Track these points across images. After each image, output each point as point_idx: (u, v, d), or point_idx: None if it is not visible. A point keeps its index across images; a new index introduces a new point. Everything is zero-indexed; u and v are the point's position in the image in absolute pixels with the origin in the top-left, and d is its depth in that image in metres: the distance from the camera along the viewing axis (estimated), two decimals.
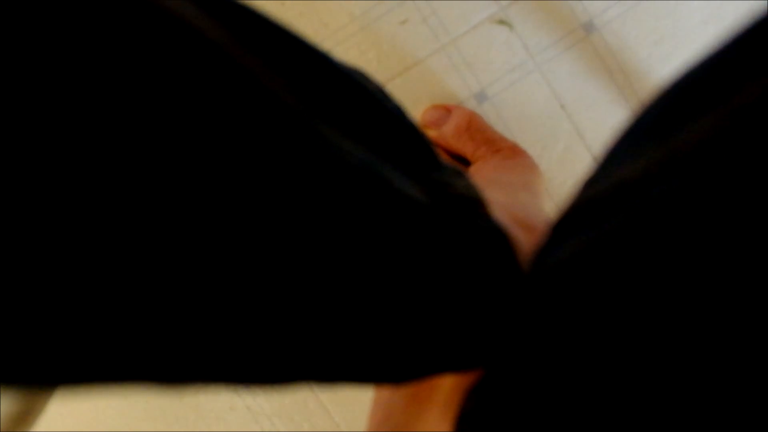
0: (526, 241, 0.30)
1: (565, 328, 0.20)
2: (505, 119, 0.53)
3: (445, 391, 0.30)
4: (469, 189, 0.27)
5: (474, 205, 0.26)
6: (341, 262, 0.19)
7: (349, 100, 0.23)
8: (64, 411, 0.57)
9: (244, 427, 0.57)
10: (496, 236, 0.26)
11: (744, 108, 0.17)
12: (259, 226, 0.17)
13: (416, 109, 0.52)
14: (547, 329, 0.21)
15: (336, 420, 0.56)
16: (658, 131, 0.21)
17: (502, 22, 0.51)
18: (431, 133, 0.51)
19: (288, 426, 0.57)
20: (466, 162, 0.50)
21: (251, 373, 0.19)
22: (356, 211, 0.19)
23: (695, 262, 0.17)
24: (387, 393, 0.32)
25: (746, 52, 0.19)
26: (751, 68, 0.18)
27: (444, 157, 0.30)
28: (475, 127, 0.49)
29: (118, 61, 0.14)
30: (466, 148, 0.49)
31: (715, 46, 0.20)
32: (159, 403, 0.58)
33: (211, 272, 0.16)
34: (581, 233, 0.21)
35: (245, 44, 0.19)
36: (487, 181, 0.43)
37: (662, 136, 0.20)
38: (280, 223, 0.18)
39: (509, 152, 0.48)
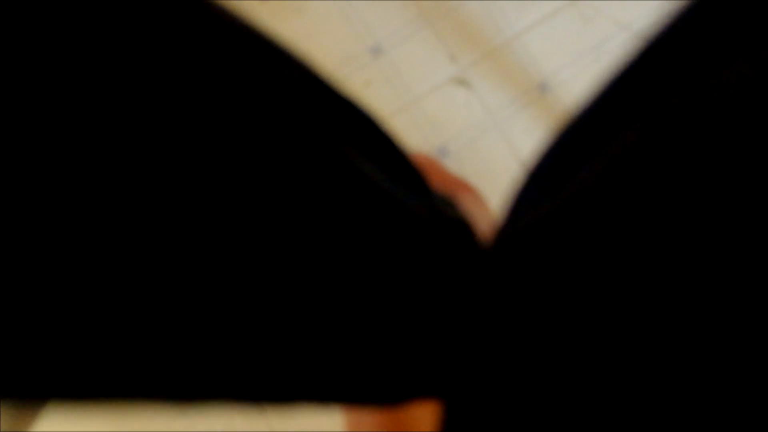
0: None
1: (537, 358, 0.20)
2: (466, 173, 0.55)
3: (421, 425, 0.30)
4: (463, 216, 0.28)
5: (467, 229, 0.27)
6: (363, 280, 0.19)
7: (363, 127, 0.23)
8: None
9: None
10: (493, 261, 0.27)
11: (622, 154, 0.18)
12: (294, 247, 0.17)
13: None
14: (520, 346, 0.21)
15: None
16: (551, 180, 0.23)
17: (461, 82, 0.54)
18: None
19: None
20: None
21: (235, 387, 0.18)
22: (388, 236, 0.20)
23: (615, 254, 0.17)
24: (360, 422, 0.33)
25: (621, 98, 0.20)
26: (627, 114, 0.20)
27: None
28: (433, 170, 0.51)
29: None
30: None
31: (592, 92, 0.22)
32: None
33: (218, 282, 0.16)
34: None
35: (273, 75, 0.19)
36: None
37: (556, 185, 0.22)
38: (317, 251, 0.18)
39: (457, 188, 0.49)
